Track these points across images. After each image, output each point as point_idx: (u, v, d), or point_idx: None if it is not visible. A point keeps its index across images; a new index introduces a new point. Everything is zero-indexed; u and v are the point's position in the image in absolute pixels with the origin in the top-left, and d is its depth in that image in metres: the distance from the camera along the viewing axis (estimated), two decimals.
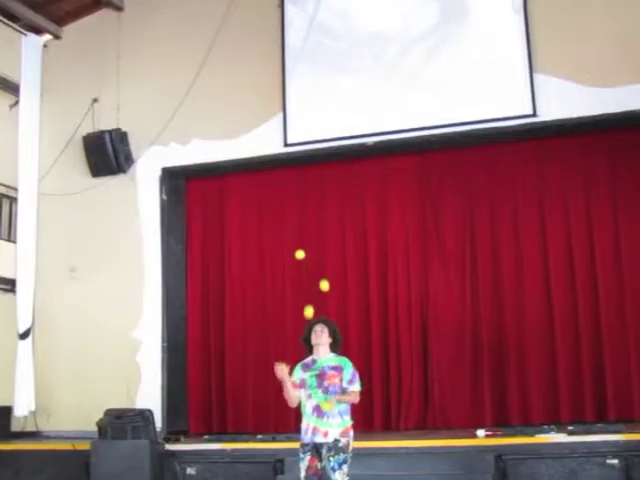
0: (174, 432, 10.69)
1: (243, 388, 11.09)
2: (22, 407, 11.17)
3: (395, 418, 10.52)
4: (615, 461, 8.14)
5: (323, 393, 6.63)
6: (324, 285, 7.24)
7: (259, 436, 9.89)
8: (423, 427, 10.34)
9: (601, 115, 9.84)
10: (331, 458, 6.51)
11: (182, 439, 10.38)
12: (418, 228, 10.90)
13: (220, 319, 11.43)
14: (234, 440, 9.91)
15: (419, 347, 10.60)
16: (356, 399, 6.73)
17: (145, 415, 9.68)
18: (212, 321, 11.49)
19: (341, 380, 6.67)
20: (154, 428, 9.77)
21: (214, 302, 11.54)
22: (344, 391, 6.64)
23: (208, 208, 11.84)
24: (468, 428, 9.69)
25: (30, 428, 11.48)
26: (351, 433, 6.69)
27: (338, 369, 6.71)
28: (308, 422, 6.67)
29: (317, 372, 6.73)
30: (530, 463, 8.41)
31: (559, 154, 10.43)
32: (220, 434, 10.75)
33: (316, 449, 6.60)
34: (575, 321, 10.10)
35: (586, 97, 9.83)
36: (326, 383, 6.65)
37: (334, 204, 11.32)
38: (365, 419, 10.51)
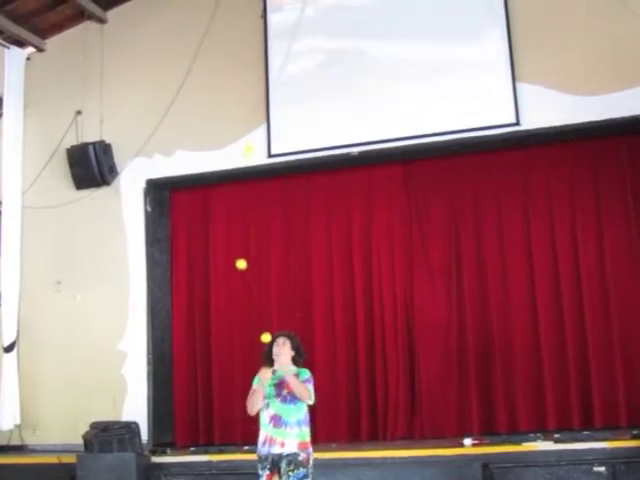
0: (160, 444, 10.65)
1: (230, 399, 11.03)
2: (7, 421, 11.11)
3: (382, 428, 10.49)
4: (602, 468, 8.18)
5: (281, 402, 6.68)
6: (241, 264, 7.22)
7: (246, 447, 9.87)
8: (410, 436, 10.32)
9: (584, 123, 9.85)
10: (290, 473, 6.49)
11: (168, 451, 10.31)
12: (404, 237, 10.89)
13: (206, 330, 11.40)
14: (221, 452, 9.88)
15: (405, 356, 10.59)
16: (305, 394, 6.70)
17: (131, 427, 9.67)
18: (198, 332, 11.44)
19: None
20: (140, 440, 9.76)
21: (200, 313, 11.50)
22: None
23: (193, 219, 11.82)
24: (455, 437, 9.72)
25: (15, 442, 11.40)
26: (310, 448, 6.70)
27: (296, 376, 6.75)
28: (265, 433, 6.70)
29: (276, 381, 6.78)
30: (517, 471, 8.44)
31: (543, 162, 10.47)
32: (206, 446, 10.71)
33: (274, 463, 6.58)
34: (561, 329, 10.11)
35: (569, 105, 9.84)
36: (285, 392, 6.71)
37: (320, 214, 11.31)
38: (352, 429, 10.59)
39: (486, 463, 8.46)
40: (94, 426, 9.68)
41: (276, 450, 6.58)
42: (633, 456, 8.21)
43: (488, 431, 9.97)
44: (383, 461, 8.88)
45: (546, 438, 8.92)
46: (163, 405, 11.18)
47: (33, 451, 11.17)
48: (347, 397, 10.70)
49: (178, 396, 11.38)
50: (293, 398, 6.70)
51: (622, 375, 9.77)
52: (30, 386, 11.39)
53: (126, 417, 10.59)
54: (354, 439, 10.49)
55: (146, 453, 9.81)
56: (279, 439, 6.60)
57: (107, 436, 9.48)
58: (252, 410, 6.81)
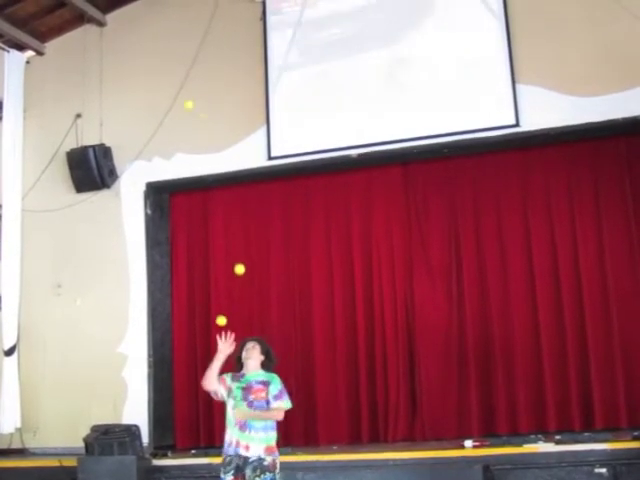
0: (161, 447, 10.64)
1: None
2: (8, 424, 11.09)
3: (383, 430, 10.47)
4: (603, 470, 8.17)
5: (248, 407, 6.63)
6: (221, 320, 7.20)
7: None
8: (411, 438, 10.30)
9: (584, 124, 9.85)
10: (257, 479, 6.45)
11: (169, 454, 10.33)
12: (403, 239, 10.88)
13: (206, 332, 11.33)
14: (221, 454, 9.85)
15: (405, 357, 10.58)
16: (279, 416, 6.75)
17: (132, 430, 9.67)
18: (198, 335, 11.40)
19: (267, 394, 6.69)
20: (141, 443, 9.76)
21: (200, 315, 11.47)
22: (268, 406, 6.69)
23: (193, 222, 11.81)
24: (456, 439, 9.71)
25: (16, 445, 11.38)
26: (277, 452, 6.67)
27: (265, 384, 6.77)
28: (232, 434, 6.67)
29: (244, 385, 6.77)
30: (518, 473, 8.45)
31: (543, 164, 10.46)
32: (207, 448, 10.68)
33: (238, 468, 6.55)
34: (561, 330, 10.09)
35: (568, 106, 9.84)
36: (251, 397, 6.69)
37: (319, 216, 11.30)
38: (352, 431, 10.56)
39: (487, 465, 8.45)
40: (95, 429, 9.68)
41: (242, 452, 6.57)
42: (634, 457, 8.22)
43: (489, 433, 9.95)
44: (384, 463, 8.88)
45: (547, 440, 8.92)
46: (164, 408, 11.16)
47: (34, 454, 11.15)
48: (347, 399, 10.69)
49: (178, 399, 11.36)
50: (260, 404, 6.68)
51: (622, 376, 9.75)
52: (31, 389, 11.37)
53: (127, 420, 10.59)
54: (355, 441, 10.46)
55: (147, 456, 9.82)
56: (244, 442, 6.58)
57: (108, 439, 9.48)
58: (207, 385, 6.86)
